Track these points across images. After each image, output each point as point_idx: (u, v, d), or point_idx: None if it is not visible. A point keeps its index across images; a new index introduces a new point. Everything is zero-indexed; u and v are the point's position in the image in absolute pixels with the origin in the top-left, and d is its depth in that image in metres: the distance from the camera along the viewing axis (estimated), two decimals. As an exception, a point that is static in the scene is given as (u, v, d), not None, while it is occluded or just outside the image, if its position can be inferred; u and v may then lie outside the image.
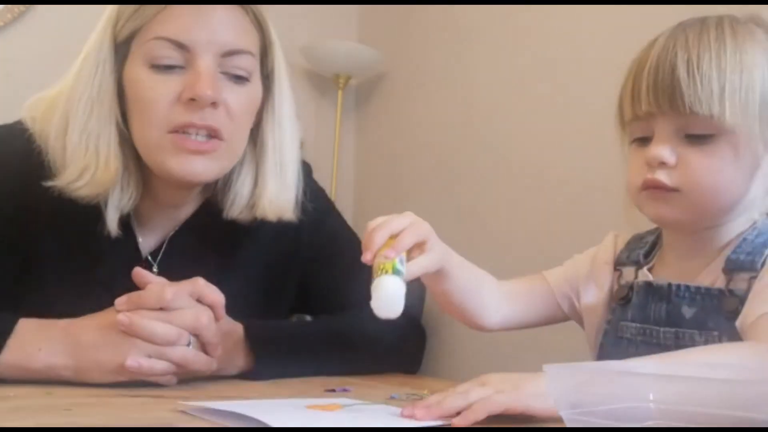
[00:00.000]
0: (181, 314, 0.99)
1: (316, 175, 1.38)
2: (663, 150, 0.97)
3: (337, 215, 1.40)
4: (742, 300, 0.95)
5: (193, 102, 1.07)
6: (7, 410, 0.83)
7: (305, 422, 0.78)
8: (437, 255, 0.99)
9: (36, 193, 1.10)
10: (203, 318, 1.00)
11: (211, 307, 1.02)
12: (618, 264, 1.11)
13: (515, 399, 0.81)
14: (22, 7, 1.95)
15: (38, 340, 0.99)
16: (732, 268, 0.98)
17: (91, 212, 1.12)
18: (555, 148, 1.75)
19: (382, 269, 0.88)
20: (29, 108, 1.17)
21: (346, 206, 2.26)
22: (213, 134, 1.09)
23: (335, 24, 2.38)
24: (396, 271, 0.88)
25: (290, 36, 2.11)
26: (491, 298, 1.11)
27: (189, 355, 1.00)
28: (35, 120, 1.15)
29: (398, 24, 2.27)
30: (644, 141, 1.01)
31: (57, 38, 1.86)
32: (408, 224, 0.95)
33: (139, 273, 1.04)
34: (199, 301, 1.02)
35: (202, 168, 1.10)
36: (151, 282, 1.03)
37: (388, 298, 0.87)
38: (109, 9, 1.14)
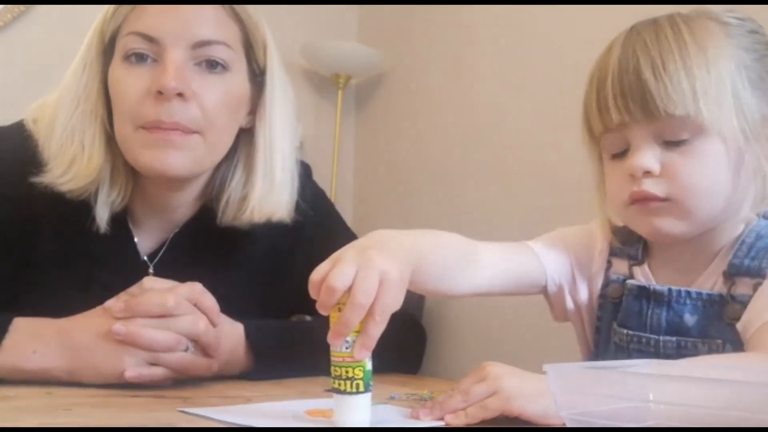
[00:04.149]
0: (178, 320, 0.99)
1: (316, 176, 1.38)
2: (645, 158, 0.92)
3: (337, 216, 1.40)
4: (746, 306, 0.91)
5: (160, 95, 1.07)
6: (7, 410, 0.83)
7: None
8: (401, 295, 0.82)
9: (34, 194, 1.10)
10: (201, 324, 1.00)
11: (205, 313, 1.02)
12: (610, 254, 1.06)
13: (510, 403, 0.81)
14: (22, 7, 1.95)
15: (32, 341, 0.99)
16: (735, 272, 0.94)
17: (88, 212, 1.13)
18: (555, 149, 1.75)
19: (351, 376, 0.78)
20: (32, 111, 1.17)
21: (345, 206, 2.26)
22: (184, 130, 1.09)
23: (335, 24, 2.38)
24: (367, 385, 0.78)
25: (290, 36, 2.11)
26: (469, 277, 1.00)
27: (187, 359, 1.00)
28: (36, 122, 1.16)
29: (398, 24, 2.27)
30: (621, 155, 0.96)
31: (57, 38, 1.86)
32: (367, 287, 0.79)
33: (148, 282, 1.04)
34: (195, 305, 1.02)
35: (175, 161, 1.09)
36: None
37: (357, 417, 0.78)
38: (102, 10, 1.15)
